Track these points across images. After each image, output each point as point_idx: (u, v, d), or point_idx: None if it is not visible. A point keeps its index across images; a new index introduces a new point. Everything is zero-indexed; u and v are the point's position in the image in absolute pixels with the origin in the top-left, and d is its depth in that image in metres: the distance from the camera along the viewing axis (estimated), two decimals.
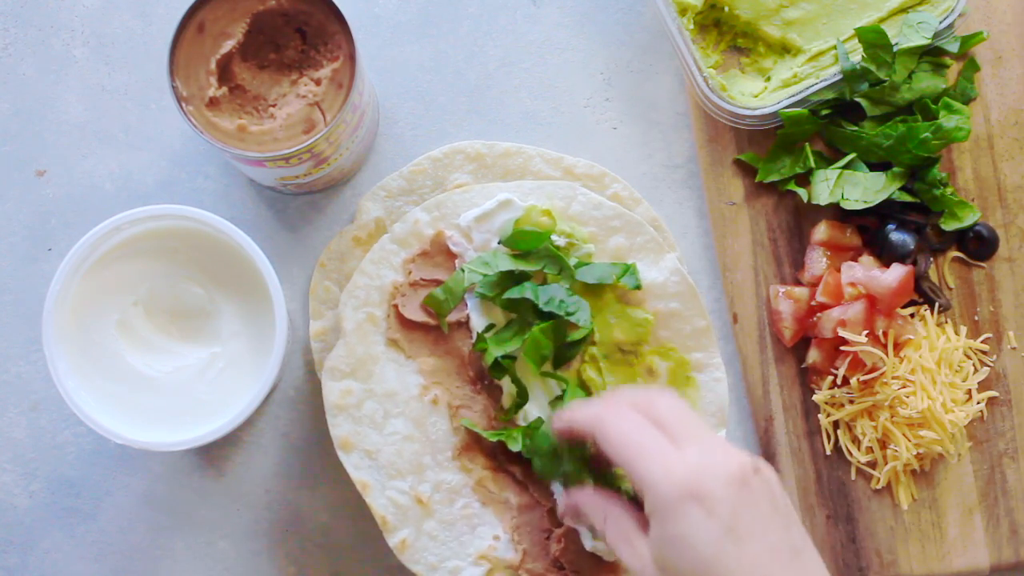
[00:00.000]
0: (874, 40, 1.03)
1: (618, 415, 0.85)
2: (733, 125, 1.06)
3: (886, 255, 1.05)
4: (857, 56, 1.04)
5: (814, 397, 1.06)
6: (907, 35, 1.04)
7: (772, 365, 1.07)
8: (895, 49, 1.03)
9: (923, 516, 1.06)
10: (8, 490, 1.07)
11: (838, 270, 1.05)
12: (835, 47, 1.05)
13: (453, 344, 1.03)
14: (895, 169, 1.05)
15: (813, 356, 1.05)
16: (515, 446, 1.00)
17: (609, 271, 1.02)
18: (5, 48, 1.09)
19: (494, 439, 1.01)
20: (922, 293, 1.06)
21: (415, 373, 1.02)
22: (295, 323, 1.07)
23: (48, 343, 0.94)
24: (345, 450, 1.01)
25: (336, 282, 1.06)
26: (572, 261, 1.02)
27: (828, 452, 1.06)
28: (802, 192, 1.06)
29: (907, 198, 1.05)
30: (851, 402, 1.04)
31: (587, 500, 0.91)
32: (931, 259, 1.07)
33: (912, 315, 1.05)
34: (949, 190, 1.06)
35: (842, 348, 1.03)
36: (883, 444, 1.05)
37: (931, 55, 1.06)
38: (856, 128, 1.06)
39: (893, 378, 1.02)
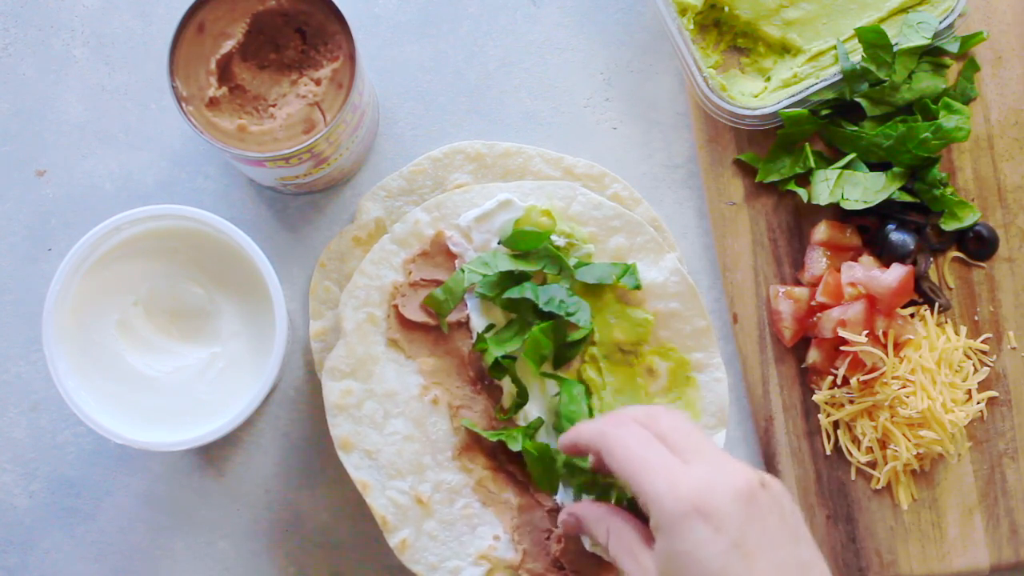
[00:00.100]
0: (874, 40, 1.03)
1: (623, 430, 0.84)
2: (733, 125, 1.06)
3: (886, 255, 1.05)
4: (857, 56, 1.04)
5: (814, 397, 1.06)
6: (907, 35, 1.04)
7: (772, 365, 1.07)
8: (895, 49, 1.03)
9: (923, 516, 1.06)
10: (8, 490, 1.07)
11: (838, 270, 1.05)
12: (835, 47, 1.05)
13: (453, 344, 1.03)
14: (895, 169, 1.05)
15: (813, 356, 1.05)
16: (515, 446, 1.00)
17: (609, 271, 1.02)
18: (5, 48, 1.09)
19: (494, 439, 1.01)
20: (922, 293, 1.06)
21: (415, 373, 1.02)
22: (295, 323, 1.07)
23: (48, 343, 0.94)
24: (345, 450, 1.01)
25: (336, 282, 1.06)
26: (572, 261, 1.02)
27: (828, 452, 1.06)
28: (802, 192, 1.06)
29: (907, 198, 1.05)
30: (851, 402, 1.04)
31: (589, 511, 0.90)
32: (931, 259, 1.07)
33: (912, 315, 1.05)
34: (949, 190, 1.06)
35: (842, 348, 1.03)
36: (883, 444, 1.05)
37: (931, 55, 1.06)
38: (856, 128, 1.06)
39: (893, 378, 1.02)
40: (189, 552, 1.07)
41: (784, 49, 1.07)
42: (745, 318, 1.07)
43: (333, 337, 1.05)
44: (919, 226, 1.06)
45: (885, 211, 1.05)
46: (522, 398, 1.01)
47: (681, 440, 0.83)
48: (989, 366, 1.07)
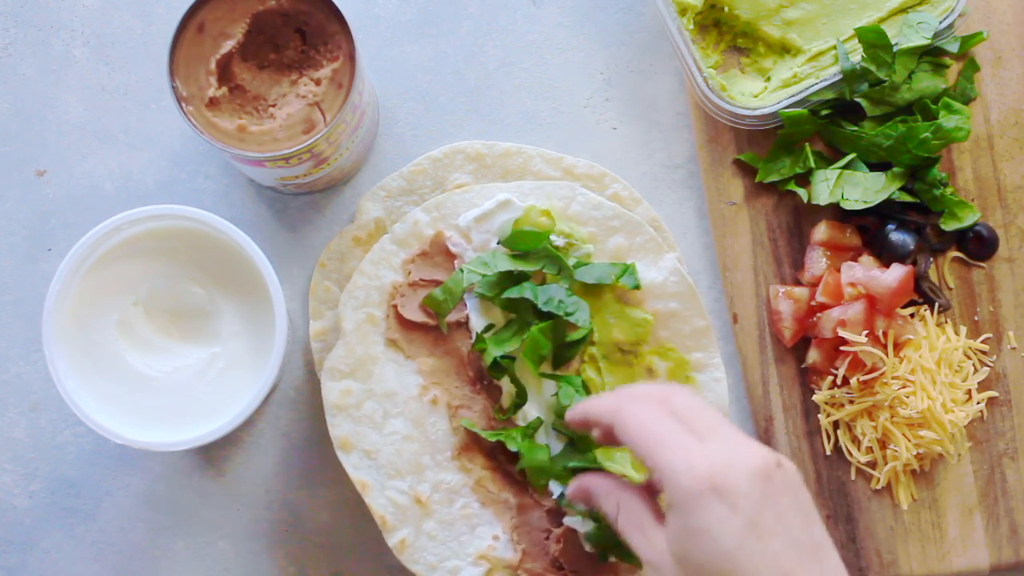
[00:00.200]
0: (874, 40, 1.03)
1: (637, 406, 0.83)
2: (733, 125, 1.06)
3: (886, 255, 1.05)
4: (857, 56, 1.04)
5: (814, 397, 1.06)
6: (907, 35, 1.04)
7: (772, 365, 1.07)
8: (895, 49, 1.03)
9: (923, 516, 1.06)
10: (8, 490, 1.07)
11: (838, 270, 1.05)
12: (835, 47, 1.05)
13: (452, 344, 1.03)
14: (895, 169, 1.05)
15: (813, 356, 1.05)
16: (514, 446, 1.00)
17: (608, 271, 1.02)
18: (5, 48, 1.09)
19: (493, 439, 1.01)
20: (922, 293, 1.06)
21: (414, 373, 1.02)
22: (295, 323, 1.07)
23: (48, 343, 0.94)
24: (345, 450, 1.01)
25: (336, 282, 1.06)
26: (571, 261, 1.02)
27: (828, 452, 1.06)
28: (802, 192, 1.06)
29: (907, 198, 1.05)
30: (851, 402, 1.04)
31: (599, 484, 0.88)
32: (931, 259, 1.07)
33: (912, 315, 1.05)
34: (949, 190, 1.06)
35: (842, 348, 1.03)
36: (883, 444, 1.05)
37: (931, 55, 1.06)
38: (856, 128, 1.05)
39: (893, 378, 1.02)
40: (189, 552, 1.07)
41: (784, 49, 1.07)
42: (745, 318, 1.07)
43: (333, 337, 1.05)
44: (919, 226, 1.06)
45: (885, 211, 1.05)
46: (521, 398, 1.01)
47: (696, 418, 0.81)
48: (989, 366, 1.07)
